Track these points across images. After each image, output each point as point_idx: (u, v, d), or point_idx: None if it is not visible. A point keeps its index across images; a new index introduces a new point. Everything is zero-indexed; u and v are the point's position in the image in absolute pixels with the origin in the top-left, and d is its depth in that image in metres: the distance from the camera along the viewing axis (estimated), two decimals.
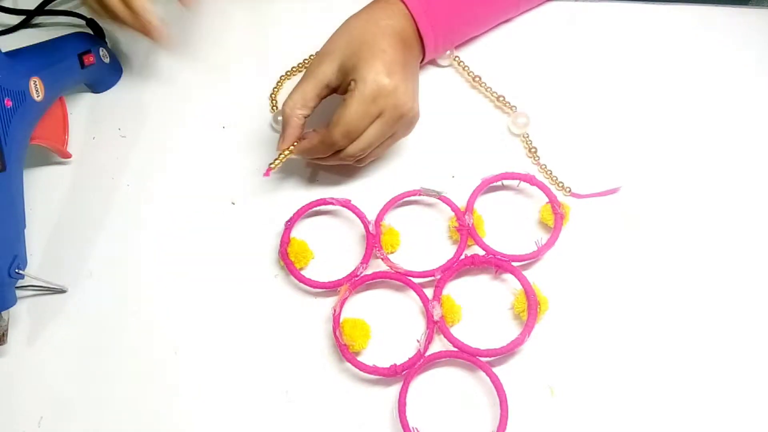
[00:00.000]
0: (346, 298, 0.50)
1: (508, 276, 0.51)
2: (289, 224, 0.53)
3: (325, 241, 0.54)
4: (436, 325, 0.49)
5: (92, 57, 0.57)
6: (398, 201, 0.54)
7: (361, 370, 0.48)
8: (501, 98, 0.58)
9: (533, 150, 0.56)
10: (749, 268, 0.51)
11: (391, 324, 0.50)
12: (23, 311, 0.52)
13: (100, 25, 0.62)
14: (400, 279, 0.50)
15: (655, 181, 0.54)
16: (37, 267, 0.54)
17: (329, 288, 0.51)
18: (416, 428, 0.45)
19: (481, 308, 0.51)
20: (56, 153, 0.57)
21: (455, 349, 0.48)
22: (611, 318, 0.50)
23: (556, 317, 0.50)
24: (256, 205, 0.55)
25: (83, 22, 0.63)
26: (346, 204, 0.53)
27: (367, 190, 0.55)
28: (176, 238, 0.55)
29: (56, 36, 0.57)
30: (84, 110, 0.61)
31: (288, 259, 0.51)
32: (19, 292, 0.51)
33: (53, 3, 0.66)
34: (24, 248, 0.50)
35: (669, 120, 0.57)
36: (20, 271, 0.49)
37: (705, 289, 0.50)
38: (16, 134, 0.49)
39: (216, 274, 0.53)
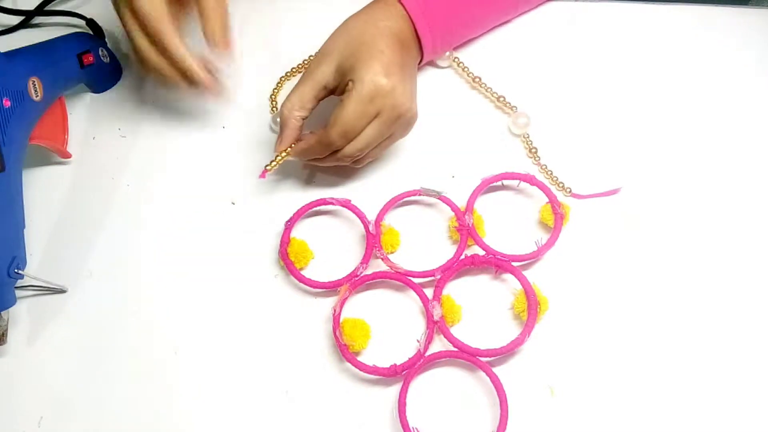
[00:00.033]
0: (346, 298, 0.50)
1: (508, 276, 0.51)
2: (289, 224, 0.53)
3: (325, 241, 0.54)
4: (436, 325, 0.49)
5: (92, 57, 0.57)
6: (398, 201, 0.54)
7: (361, 370, 0.48)
8: (501, 98, 0.58)
9: (534, 150, 0.56)
10: (749, 268, 0.51)
11: (391, 324, 0.50)
12: (23, 311, 0.52)
13: (100, 25, 0.62)
14: (400, 279, 0.50)
15: (655, 181, 0.54)
16: (37, 267, 0.54)
17: (329, 288, 0.51)
18: (416, 428, 0.45)
19: (481, 308, 0.51)
20: (56, 153, 0.57)
21: (455, 349, 0.48)
22: (611, 318, 0.50)
23: (556, 317, 0.50)
24: (256, 205, 0.55)
25: (83, 22, 0.63)
26: (346, 204, 0.53)
27: (367, 190, 0.55)
28: (176, 238, 0.55)
29: (56, 36, 0.57)
30: (84, 110, 0.61)
31: (288, 259, 0.51)
32: (19, 292, 0.51)
33: (53, 3, 0.66)
34: (24, 248, 0.50)
35: (669, 120, 0.57)
36: (20, 271, 0.48)
37: (705, 288, 0.50)
38: (15, 134, 0.49)
39: (216, 274, 0.53)
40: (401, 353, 0.48)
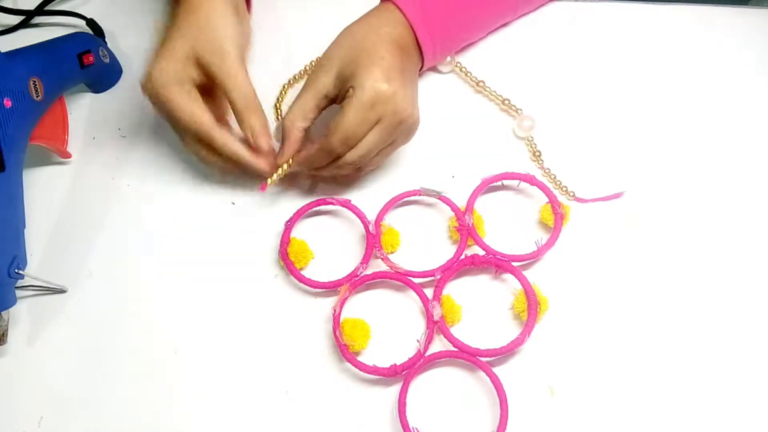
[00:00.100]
0: (346, 298, 0.50)
1: (508, 276, 0.51)
2: (289, 224, 0.53)
3: (325, 241, 0.54)
4: (436, 325, 0.49)
5: (92, 57, 0.57)
6: (398, 201, 0.54)
7: (361, 370, 0.48)
8: (506, 101, 0.58)
9: (537, 153, 0.55)
10: (749, 268, 0.51)
11: (391, 324, 0.50)
12: (23, 311, 0.52)
13: (100, 25, 0.63)
14: (400, 279, 0.50)
15: (655, 181, 0.54)
16: (37, 267, 0.54)
17: (329, 288, 0.51)
18: (416, 428, 0.45)
19: (481, 308, 0.51)
20: (56, 153, 0.57)
21: (455, 349, 0.48)
22: (611, 318, 0.50)
23: (556, 317, 0.50)
24: (256, 205, 0.55)
25: (83, 22, 0.63)
26: (346, 204, 0.53)
27: (367, 190, 0.55)
28: (176, 238, 0.55)
29: (56, 36, 0.57)
30: (84, 110, 0.61)
31: (288, 259, 0.51)
32: (19, 292, 0.51)
33: (53, 3, 0.66)
34: (24, 248, 0.50)
35: (669, 120, 0.57)
36: (20, 271, 0.49)
37: (705, 289, 0.50)
38: (15, 134, 0.49)
39: (216, 274, 0.53)
40: (401, 353, 0.48)
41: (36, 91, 0.51)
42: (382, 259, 0.51)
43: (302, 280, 0.51)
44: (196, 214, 0.55)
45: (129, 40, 0.64)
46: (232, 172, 0.54)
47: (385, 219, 0.53)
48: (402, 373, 0.47)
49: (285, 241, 0.52)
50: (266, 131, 0.50)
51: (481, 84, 0.58)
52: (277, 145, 0.53)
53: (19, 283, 0.50)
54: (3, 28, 0.65)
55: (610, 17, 0.62)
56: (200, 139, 0.50)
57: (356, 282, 0.50)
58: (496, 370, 0.47)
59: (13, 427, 0.49)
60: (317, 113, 0.51)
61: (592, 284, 0.51)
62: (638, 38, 0.61)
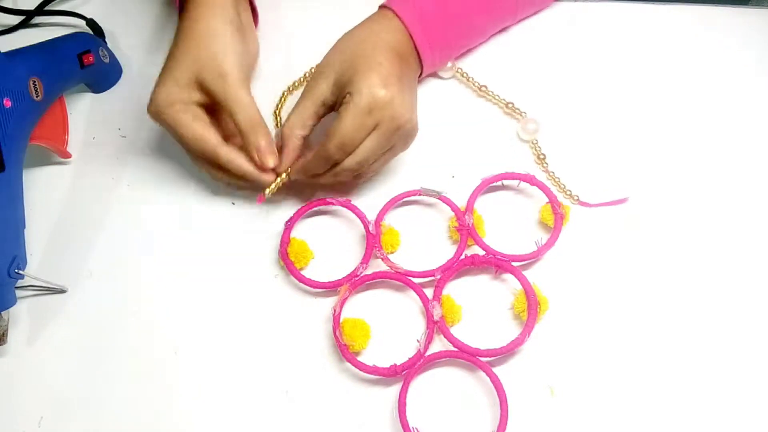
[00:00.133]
0: (346, 298, 0.50)
1: (508, 276, 0.51)
2: (289, 224, 0.53)
3: (325, 241, 0.54)
4: (436, 325, 0.49)
5: (92, 57, 0.57)
6: (398, 201, 0.54)
7: (361, 370, 0.48)
8: (510, 105, 0.57)
9: (542, 157, 0.55)
10: (749, 268, 0.51)
11: (391, 324, 0.50)
12: (23, 311, 0.52)
13: (100, 25, 0.63)
14: (400, 279, 0.50)
15: (655, 181, 0.55)
16: (37, 267, 0.54)
17: (329, 288, 0.51)
18: (416, 428, 0.45)
19: (481, 308, 0.51)
20: (56, 153, 0.57)
21: (455, 349, 0.48)
22: (611, 318, 0.50)
23: (556, 317, 0.50)
24: (256, 206, 0.55)
25: (83, 22, 0.63)
26: (346, 204, 0.53)
27: (367, 190, 0.55)
28: (176, 238, 0.55)
29: (56, 36, 0.57)
30: (84, 110, 0.61)
31: (288, 259, 0.51)
32: (19, 292, 0.51)
33: (53, 3, 0.66)
34: (24, 248, 0.50)
35: (669, 120, 0.57)
36: (20, 271, 0.49)
37: (705, 289, 0.50)
38: (15, 134, 0.49)
39: (216, 274, 0.53)
40: (401, 353, 0.48)
41: (36, 91, 0.51)
42: (382, 259, 0.51)
43: (302, 280, 0.51)
44: (196, 214, 0.55)
45: (129, 40, 0.64)
46: (241, 187, 0.54)
47: (385, 219, 0.53)
48: (402, 373, 0.47)
49: (285, 241, 0.52)
50: (272, 149, 0.50)
51: (483, 89, 0.58)
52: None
53: (19, 283, 0.50)
54: (3, 28, 0.65)
55: (610, 17, 0.62)
56: (207, 157, 0.50)
57: (356, 282, 0.50)
58: (496, 370, 0.47)
59: (13, 427, 0.49)
60: (316, 121, 0.51)
61: (592, 284, 0.51)
62: (638, 38, 0.61)
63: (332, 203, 0.53)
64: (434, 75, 0.59)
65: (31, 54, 0.53)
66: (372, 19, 0.52)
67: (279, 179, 0.51)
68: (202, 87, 0.49)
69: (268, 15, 0.60)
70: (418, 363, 0.47)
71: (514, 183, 0.55)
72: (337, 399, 0.48)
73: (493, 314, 0.50)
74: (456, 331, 0.49)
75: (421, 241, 0.53)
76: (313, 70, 0.59)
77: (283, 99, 0.60)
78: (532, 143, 0.56)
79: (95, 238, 0.55)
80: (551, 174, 0.55)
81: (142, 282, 0.53)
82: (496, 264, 0.50)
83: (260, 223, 0.54)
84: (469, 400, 0.48)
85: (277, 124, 0.59)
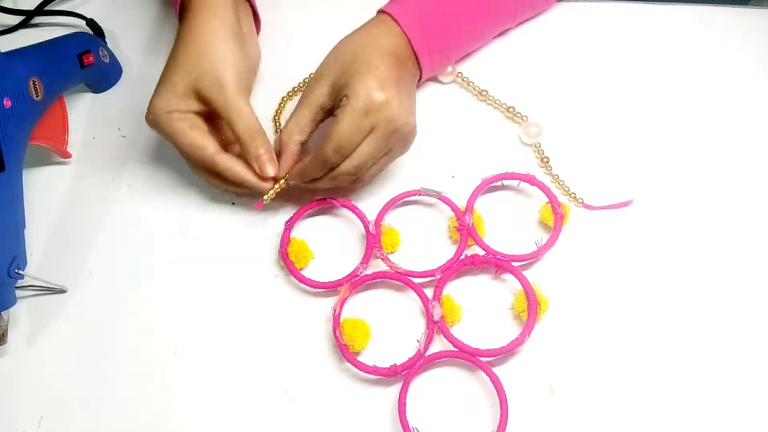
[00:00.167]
0: (346, 298, 0.50)
1: (508, 276, 0.51)
2: (289, 224, 0.53)
3: (325, 241, 0.54)
4: (436, 325, 0.49)
5: (92, 57, 0.57)
6: (398, 201, 0.54)
7: (361, 370, 0.48)
8: (511, 109, 0.57)
9: (545, 160, 0.55)
10: (749, 268, 0.51)
11: (391, 324, 0.50)
12: (23, 311, 0.52)
13: (100, 25, 0.63)
14: (400, 279, 0.50)
15: (654, 181, 0.54)
16: (37, 267, 0.54)
17: (329, 288, 0.51)
18: (416, 428, 0.45)
19: (481, 308, 0.51)
20: (56, 153, 0.57)
21: (455, 349, 0.48)
22: (611, 318, 0.50)
23: (556, 317, 0.50)
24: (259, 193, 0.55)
25: (83, 22, 0.63)
26: (346, 204, 0.53)
27: (367, 190, 0.55)
28: (176, 238, 0.55)
29: (56, 36, 0.57)
30: (84, 110, 0.61)
31: (288, 259, 0.51)
32: (19, 292, 0.51)
33: (53, 3, 0.66)
34: (24, 248, 0.50)
35: (669, 121, 0.57)
36: (20, 271, 0.49)
37: (705, 289, 0.50)
38: (15, 134, 0.49)
39: (216, 274, 0.53)
40: (401, 353, 0.48)
41: (36, 91, 0.51)
42: (382, 259, 0.51)
43: (302, 280, 0.51)
44: (196, 215, 0.55)
45: (129, 40, 0.64)
46: (240, 194, 0.54)
47: (385, 219, 0.53)
48: (402, 373, 0.47)
49: (285, 241, 0.52)
50: (272, 158, 0.50)
51: (484, 93, 0.58)
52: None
53: (19, 283, 0.50)
54: (3, 28, 0.65)
55: (610, 17, 0.62)
56: (204, 166, 0.50)
57: (356, 282, 0.50)
58: (496, 370, 0.47)
59: (13, 427, 0.49)
60: (314, 126, 0.51)
61: (592, 284, 0.51)
62: (638, 38, 0.61)
63: (332, 203, 0.53)
64: (434, 79, 0.59)
65: (31, 54, 0.53)
66: (370, 24, 0.52)
67: (277, 185, 0.51)
68: (200, 96, 0.49)
69: (268, 15, 0.60)
70: (418, 363, 0.47)
71: (514, 183, 0.55)
72: (337, 399, 0.48)
73: (493, 314, 0.50)
74: (456, 331, 0.49)
75: (421, 241, 0.53)
76: (312, 75, 0.59)
77: (282, 105, 0.59)
78: (535, 146, 0.56)
79: (95, 238, 0.55)
80: (555, 177, 0.55)
81: (142, 282, 0.53)
82: (496, 264, 0.50)
83: (260, 223, 0.54)
84: (469, 400, 0.48)
85: (276, 130, 0.58)
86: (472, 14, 0.55)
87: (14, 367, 0.51)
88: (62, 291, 0.53)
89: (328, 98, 0.49)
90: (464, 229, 0.52)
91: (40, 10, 0.65)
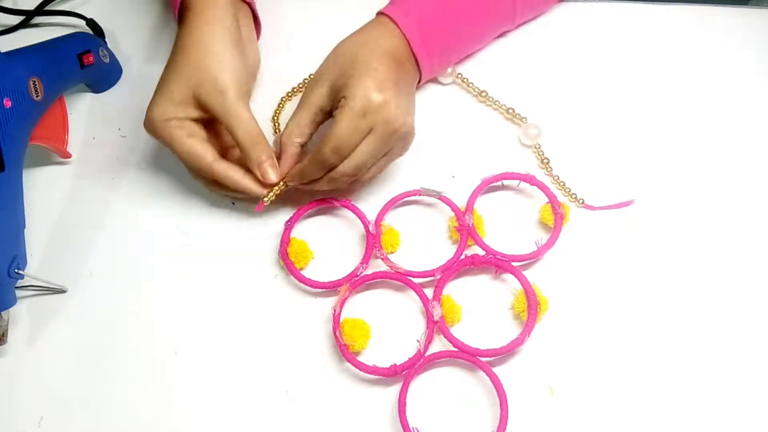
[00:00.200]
0: (346, 298, 0.50)
1: (508, 276, 0.51)
2: (289, 224, 0.53)
3: (325, 241, 0.54)
4: (436, 325, 0.49)
5: (92, 57, 0.57)
6: (398, 201, 0.54)
7: (361, 370, 0.48)
8: (510, 110, 0.57)
9: (546, 161, 0.55)
10: (750, 269, 0.51)
11: (391, 324, 0.50)
12: (23, 311, 0.52)
13: (100, 25, 0.63)
14: (400, 279, 0.50)
15: (654, 181, 0.54)
16: (37, 267, 0.54)
17: (329, 288, 0.51)
18: (416, 428, 0.45)
19: (481, 308, 0.51)
20: (56, 153, 0.57)
21: (455, 349, 0.48)
22: (611, 318, 0.50)
23: (556, 317, 0.50)
24: (256, 204, 0.55)
25: (83, 22, 0.63)
26: (346, 204, 0.53)
27: (367, 190, 0.55)
28: (176, 238, 0.55)
29: (56, 36, 0.57)
30: (84, 110, 0.61)
31: (288, 259, 0.51)
32: (19, 292, 0.51)
33: (53, 3, 0.66)
34: (24, 248, 0.50)
35: (669, 121, 0.57)
36: (20, 271, 0.49)
37: (705, 289, 0.50)
38: (15, 134, 0.49)
39: (216, 274, 0.53)
40: (401, 353, 0.48)
41: (36, 91, 0.51)
42: (382, 259, 0.51)
43: (302, 280, 0.51)
44: (196, 215, 0.55)
45: (129, 40, 0.64)
46: (238, 199, 0.54)
47: (385, 219, 0.53)
48: (402, 373, 0.47)
49: (285, 241, 0.52)
50: (274, 164, 0.50)
51: (483, 94, 0.58)
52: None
53: (19, 283, 0.50)
54: (3, 28, 0.65)
55: (610, 17, 0.62)
56: (203, 173, 0.50)
57: (356, 282, 0.50)
58: (496, 370, 0.47)
59: (13, 427, 0.49)
60: (314, 128, 0.51)
61: (592, 284, 0.51)
62: (638, 38, 0.61)
63: (332, 203, 0.53)
64: (434, 80, 0.59)
65: (31, 54, 0.53)
66: (369, 26, 0.52)
67: (276, 188, 0.51)
68: (199, 103, 0.49)
69: (268, 15, 0.60)
70: (418, 363, 0.47)
71: (514, 183, 0.55)
72: (337, 399, 0.48)
73: (493, 314, 0.50)
74: (456, 331, 0.49)
75: (421, 241, 0.53)
76: (311, 76, 0.59)
77: (281, 105, 0.59)
78: (535, 147, 0.56)
79: (95, 238, 0.55)
80: (555, 178, 0.55)
81: (142, 282, 0.53)
82: (496, 264, 0.50)
83: (260, 223, 0.54)
84: (469, 400, 0.48)
85: (275, 130, 0.58)
86: (471, 16, 0.55)
87: (14, 367, 0.51)
88: (62, 291, 0.53)
89: (327, 100, 0.49)
90: (464, 229, 0.52)
91: (40, 10, 0.65)
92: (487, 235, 0.53)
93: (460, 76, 0.59)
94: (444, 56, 0.56)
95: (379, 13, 0.53)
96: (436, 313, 0.48)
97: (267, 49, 0.60)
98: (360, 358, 0.48)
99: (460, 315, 0.50)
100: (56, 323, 0.52)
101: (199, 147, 0.49)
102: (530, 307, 0.48)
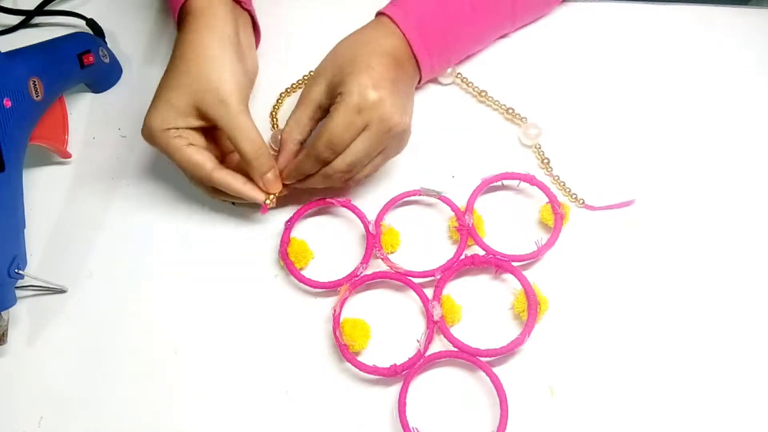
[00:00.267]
0: (346, 298, 0.50)
1: (508, 276, 0.51)
2: (289, 224, 0.53)
3: (325, 241, 0.54)
4: (436, 325, 0.49)
5: (92, 57, 0.57)
6: (398, 201, 0.54)
7: (361, 370, 0.48)
8: (510, 110, 0.57)
9: (546, 161, 0.55)
10: (750, 269, 0.51)
11: (391, 324, 0.50)
12: (23, 311, 0.52)
13: (100, 25, 0.63)
14: (400, 279, 0.50)
15: (654, 181, 0.54)
16: (37, 267, 0.54)
17: (329, 288, 0.51)
18: (416, 428, 0.45)
19: (481, 308, 0.51)
20: (56, 153, 0.57)
21: (455, 349, 0.48)
22: (611, 318, 0.50)
23: (556, 317, 0.50)
24: (256, 205, 0.55)
25: (83, 22, 0.63)
26: (346, 204, 0.53)
27: (367, 190, 0.55)
28: (176, 238, 0.55)
29: (56, 36, 0.57)
30: (84, 110, 0.61)
31: (288, 259, 0.51)
32: (19, 292, 0.51)
33: (53, 3, 0.66)
34: (24, 248, 0.50)
35: (669, 121, 0.57)
36: (20, 271, 0.49)
37: (705, 289, 0.50)
38: (15, 134, 0.49)
39: (216, 274, 0.53)
40: (401, 353, 0.48)
41: (36, 91, 0.51)
42: (382, 259, 0.51)
43: (302, 280, 0.51)
44: (196, 215, 0.55)
45: (129, 41, 0.64)
46: (238, 204, 0.54)
47: (385, 219, 0.53)
48: (402, 373, 0.47)
49: (285, 241, 0.52)
50: (276, 174, 0.50)
51: (483, 94, 0.58)
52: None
53: (19, 283, 0.50)
54: (3, 28, 0.65)
55: (610, 17, 0.62)
56: (202, 182, 0.50)
57: (356, 282, 0.50)
58: (496, 370, 0.47)
59: (13, 427, 0.49)
60: (313, 125, 0.51)
61: (592, 284, 0.51)
62: (638, 38, 0.61)
63: (332, 203, 0.53)
64: (434, 80, 0.59)
65: (31, 54, 0.53)
66: (369, 26, 0.52)
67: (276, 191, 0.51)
68: (201, 113, 0.49)
69: (268, 15, 0.60)
70: (418, 363, 0.47)
71: (514, 183, 0.55)
72: (337, 399, 0.48)
73: (493, 314, 0.50)
74: (456, 331, 0.49)
75: (421, 241, 0.53)
76: (311, 73, 0.59)
77: (280, 101, 0.60)
78: (535, 147, 0.56)
79: (95, 238, 0.55)
80: (556, 178, 0.55)
81: (142, 282, 0.53)
82: (496, 264, 0.50)
83: (260, 223, 0.54)
84: (469, 400, 0.48)
85: (273, 126, 0.59)
86: (470, 16, 0.55)
87: (14, 367, 0.51)
88: (62, 291, 0.53)
89: (325, 97, 0.50)
90: (464, 229, 0.52)
91: (40, 10, 0.65)
92: (487, 235, 0.53)
93: (459, 76, 0.59)
94: (444, 56, 0.56)
95: (379, 13, 0.53)
96: (436, 313, 0.48)
97: (268, 43, 0.60)
98: (360, 358, 0.48)
99: (460, 315, 0.50)
100: (56, 323, 0.52)
101: (198, 156, 0.49)
102: (530, 307, 0.48)
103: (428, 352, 0.48)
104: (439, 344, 0.49)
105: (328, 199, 0.53)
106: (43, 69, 0.52)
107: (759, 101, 0.58)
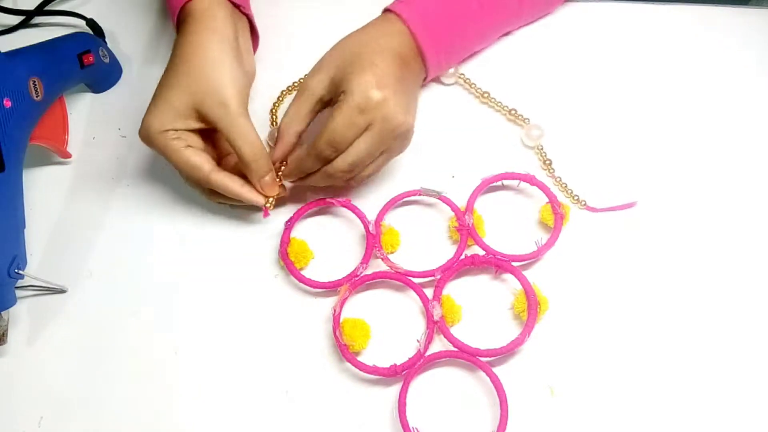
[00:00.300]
0: (346, 298, 0.50)
1: (508, 276, 0.51)
2: (289, 224, 0.53)
3: (325, 241, 0.54)
4: (436, 325, 0.49)
5: (92, 57, 0.57)
6: (398, 201, 0.54)
7: (361, 370, 0.48)
8: (513, 111, 0.57)
9: (548, 162, 0.55)
10: (751, 270, 0.51)
11: (391, 324, 0.50)
12: (23, 311, 0.52)
13: (100, 25, 0.63)
14: (400, 279, 0.50)
15: (654, 181, 0.54)
16: (37, 267, 0.54)
17: (329, 288, 0.51)
18: (416, 428, 0.45)
19: (481, 308, 0.51)
20: (56, 153, 0.57)
21: (455, 349, 0.48)
22: (611, 318, 0.50)
23: (556, 317, 0.50)
24: (256, 206, 0.55)
25: (83, 22, 0.63)
26: (346, 204, 0.53)
27: (367, 190, 0.55)
28: (176, 238, 0.55)
29: (56, 36, 0.57)
30: (84, 110, 0.61)
31: (288, 259, 0.51)
32: (19, 292, 0.51)
33: (53, 3, 0.66)
34: (24, 248, 0.50)
35: (669, 121, 0.57)
36: (20, 271, 0.49)
37: (705, 289, 0.50)
38: (15, 134, 0.49)
39: (216, 274, 0.53)
40: (401, 353, 0.48)
41: (36, 91, 0.51)
42: (382, 259, 0.51)
43: (302, 280, 0.51)
44: (197, 215, 0.55)
45: (129, 41, 0.64)
46: (235, 206, 0.54)
47: (385, 219, 0.53)
48: (402, 373, 0.47)
49: (285, 241, 0.52)
50: (274, 178, 0.50)
51: (486, 95, 0.58)
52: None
53: (19, 283, 0.50)
54: (3, 28, 0.65)
55: (610, 17, 0.62)
56: (199, 184, 0.50)
57: (356, 282, 0.50)
58: (496, 370, 0.47)
59: (13, 427, 0.49)
60: (312, 116, 0.51)
61: (592, 284, 0.51)
62: (638, 38, 0.61)
63: (332, 203, 0.53)
64: (437, 80, 0.59)
65: (31, 54, 0.53)
66: (375, 23, 0.52)
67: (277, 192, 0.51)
68: (200, 115, 0.49)
69: (267, 15, 0.60)
70: (418, 363, 0.47)
71: (514, 183, 0.55)
72: (337, 399, 0.48)
73: (493, 314, 0.50)
74: (456, 331, 0.49)
75: (421, 241, 0.53)
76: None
77: (280, 98, 0.60)
78: (537, 149, 0.56)
79: (95, 238, 0.55)
80: (558, 179, 0.55)
81: (142, 282, 0.53)
82: (496, 264, 0.50)
83: (260, 223, 0.54)
84: (469, 400, 0.48)
85: (272, 123, 0.59)
86: (477, 13, 0.55)
87: (14, 367, 0.51)
88: (62, 291, 0.53)
89: (327, 90, 0.49)
90: (464, 229, 0.52)
91: (40, 10, 0.65)
92: (487, 235, 0.53)
93: (462, 76, 0.59)
94: (450, 54, 0.56)
95: (386, 10, 0.53)
96: (436, 313, 0.48)
97: (268, 42, 0.60)
98: (360, 358, 0.48)
99: (460, 315, 0.50)
100: (56, 323, 0.52)
101: (196, 158, 0.49)
102: (530, 307, 0.48)
103: (428, 352, 0.48)
104: (439, 344, 0.49)
105: (328, 199, 0.53)
106: (43, 69, 0.52)
107: (759, 101, 0.58)
